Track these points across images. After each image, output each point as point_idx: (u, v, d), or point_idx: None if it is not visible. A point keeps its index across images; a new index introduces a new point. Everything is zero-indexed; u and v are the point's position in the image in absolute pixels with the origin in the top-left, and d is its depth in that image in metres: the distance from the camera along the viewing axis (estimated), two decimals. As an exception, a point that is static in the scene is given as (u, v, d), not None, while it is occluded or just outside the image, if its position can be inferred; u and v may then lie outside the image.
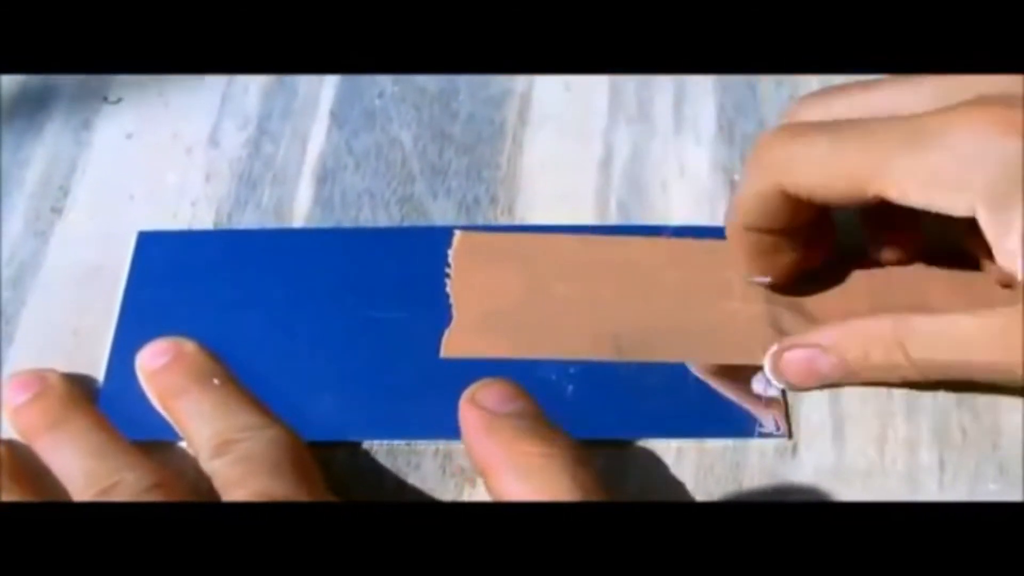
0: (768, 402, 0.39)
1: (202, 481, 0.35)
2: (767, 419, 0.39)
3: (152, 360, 0.39)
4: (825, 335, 0.39)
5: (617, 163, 0.46)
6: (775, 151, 0.38)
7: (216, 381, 0.38)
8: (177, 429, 0.38)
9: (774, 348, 0.39)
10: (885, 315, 0.38)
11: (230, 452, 0.35)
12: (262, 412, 0.37)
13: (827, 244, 0.41)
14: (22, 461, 0.36)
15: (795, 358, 0.39)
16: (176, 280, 0.43)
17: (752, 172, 0.38)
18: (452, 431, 0.36)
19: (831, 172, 0.36)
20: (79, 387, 0.39)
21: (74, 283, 0.43)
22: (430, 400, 0.39)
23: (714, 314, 0.41)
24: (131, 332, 0.41)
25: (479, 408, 0.35)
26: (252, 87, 0.49)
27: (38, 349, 0.41)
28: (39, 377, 0.38)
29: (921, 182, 0.35)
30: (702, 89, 0.48)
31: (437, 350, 0.40)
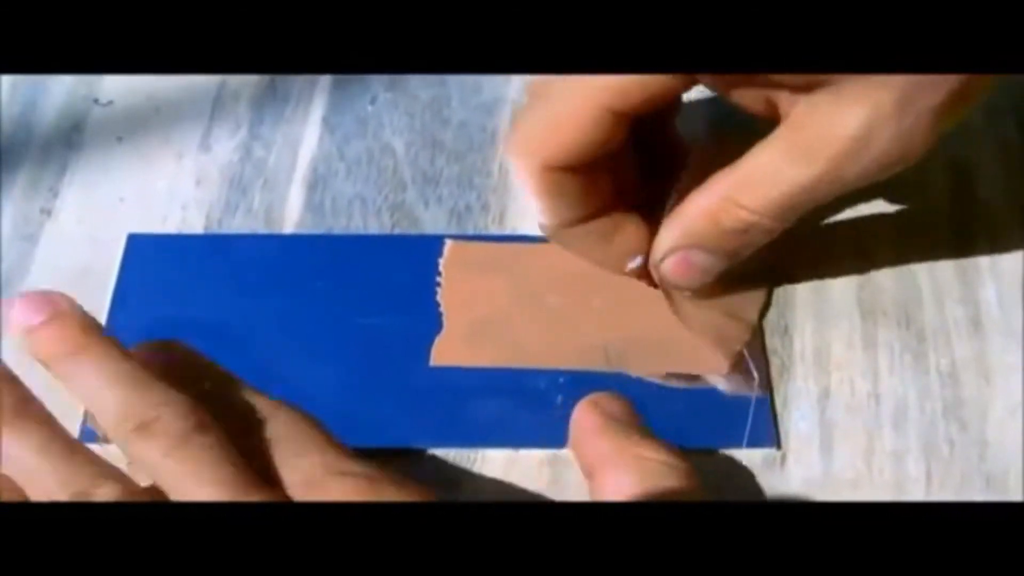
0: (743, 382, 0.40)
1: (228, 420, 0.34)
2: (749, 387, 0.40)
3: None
4: (674, 234, 0.38)
5: (608, 172, 0.46)
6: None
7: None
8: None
9: (646, 261, 0.40)
10: (707, 186, 0.37)
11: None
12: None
13: (631, 180, 0.40)
14: (23, 391, 0.34)
15: (671, 265, 0.39)
16: (165, 283, 0.43)
17: (560, 95, 0.36)
18: (441, 437, 0.37)
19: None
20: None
21: (63, 286, 0.42)
22: (419, 407, 0.39)
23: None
24: (119, 335, 0.41)
25: (599, 412, 0.36)
26: (244, 92, 0.49)
27: (26, 353, 0.41)
28: (49, 299, 0.35)
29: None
30: (692, 95, 0.48)
31: (427, 357, 0.40)
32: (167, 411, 0.32)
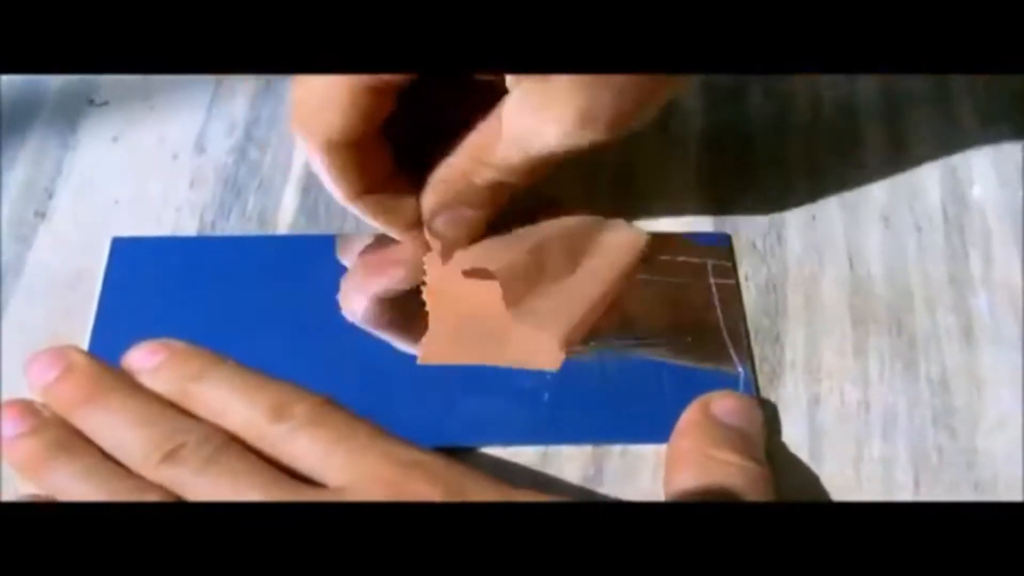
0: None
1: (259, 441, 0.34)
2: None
3: (144, 360, 0.37)
4: (436, 196, 0.41)
5: (601, 176, 0.46)
6: None
7: (230, 363, 0.36)
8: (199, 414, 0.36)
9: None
10: (460, 149, 0.40)
11: (291, 416, 0.34)
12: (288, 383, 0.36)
13: (410, 151, 0.42)
14: (67, 431, 0.35)
15: (441, 224, 0.41)
16: (151, 287, 0.42)
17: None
18: (429, 436, 0.37)
19: None
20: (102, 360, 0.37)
21: (56, 288, 0.43)
22: (408, 406, 0.39)
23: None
24: (106, 339, 0.41)
25: (705, 411, 0.38)
26: (240, 92, 0.49)
27: (17, 355, 0.40)
28: (61, 354, 0.37)
29: None
30: (689, 102, 0.48)
31: (410, 357, 0.41)
32: (190, 437, 0.34)
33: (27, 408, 0.36)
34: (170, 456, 0.33)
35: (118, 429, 0.35)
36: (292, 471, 0.34)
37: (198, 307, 0.42)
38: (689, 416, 0.38)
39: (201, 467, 0.33)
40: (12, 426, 0.35)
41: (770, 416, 0.39)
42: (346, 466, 0.33)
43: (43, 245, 0.44)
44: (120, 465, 0.34)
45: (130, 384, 0.36)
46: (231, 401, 0.35)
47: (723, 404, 0.38)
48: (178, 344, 0.37)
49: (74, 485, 0.34)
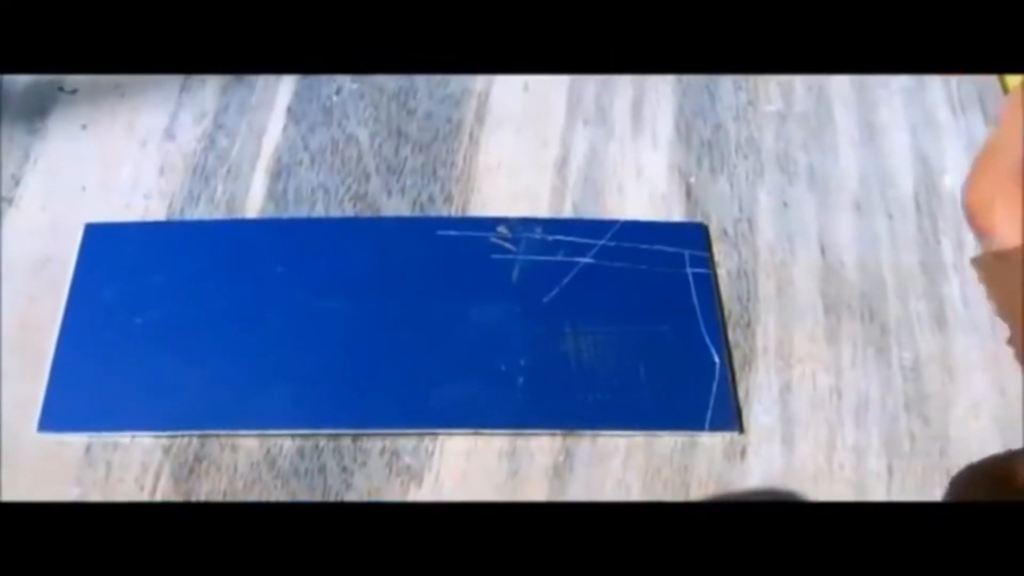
0: None
1: None
2: None
3: None
4: None
5: (573, 164, 0.45)
6: None
7: None
8: None
9: None
10: None
11: None
12: None
13: None
14: None
15: None
16: (124, 272, 0.42)
17: None
18: (399, 421, 0.36)
19: None
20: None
21: (24, 274, 0.42)
22: (381, 390, 0.39)
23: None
24: (78, 324, 0.40)
25: None
26: (209, 81, 0.48)
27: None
28: None
29: None
30: (661, 92, 0.48)
31: (387, 340, 0.40)
32: None
33: None
34: None
35: None
36: None
37: (170, 291, 0.41)
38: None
39: None
40: None
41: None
42: None
43: (11, 232, 0.43)
44: None
45: None
46: None
47: None
48: None
49: None
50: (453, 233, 0.43)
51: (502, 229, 0.43)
